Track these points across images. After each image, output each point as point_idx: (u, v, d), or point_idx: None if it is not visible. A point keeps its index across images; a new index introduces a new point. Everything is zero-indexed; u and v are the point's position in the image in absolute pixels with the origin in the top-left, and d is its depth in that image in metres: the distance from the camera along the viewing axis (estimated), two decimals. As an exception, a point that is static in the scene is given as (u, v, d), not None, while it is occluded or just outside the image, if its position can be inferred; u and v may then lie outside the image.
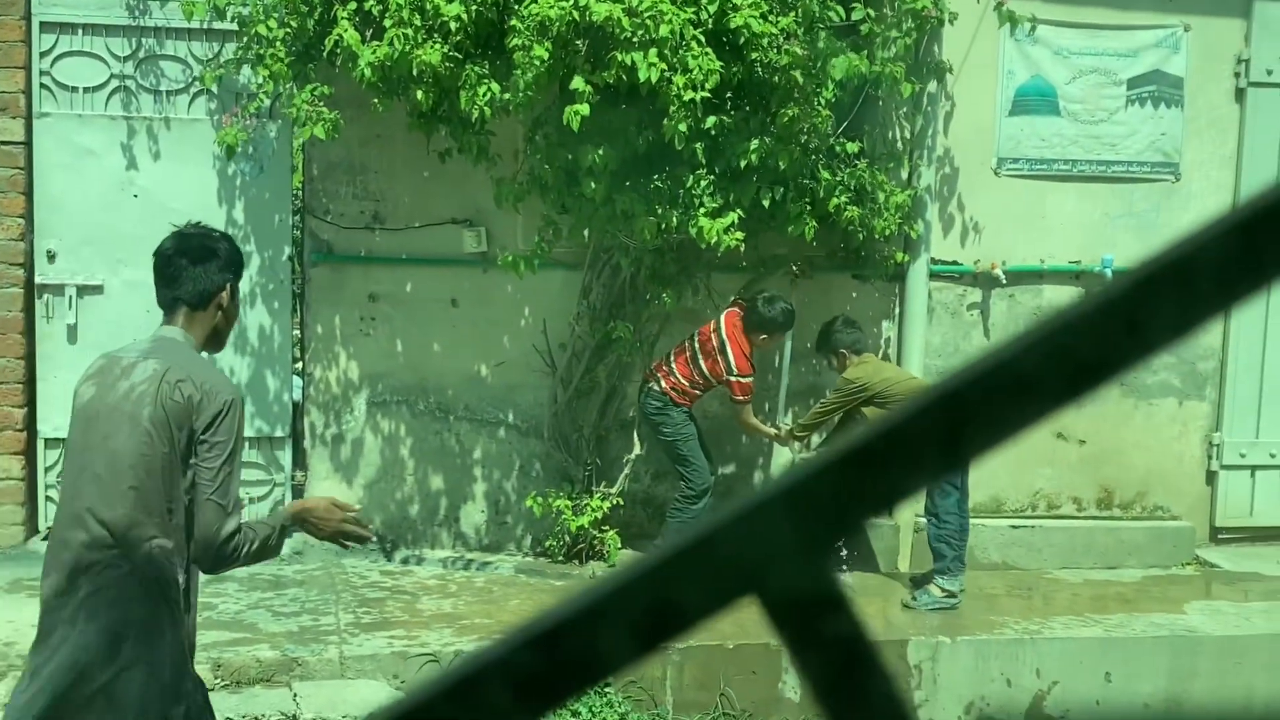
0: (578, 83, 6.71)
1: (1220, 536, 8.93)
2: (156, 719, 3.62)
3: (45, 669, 3.62)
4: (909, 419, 0.64)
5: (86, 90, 7.81)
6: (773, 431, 7.98)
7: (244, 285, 7.64)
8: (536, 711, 0.63)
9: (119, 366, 3.71)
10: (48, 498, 7.92)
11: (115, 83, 7.83)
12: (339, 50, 6.82)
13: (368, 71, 6.70)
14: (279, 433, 8.14)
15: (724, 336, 7.56)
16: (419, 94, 6.86)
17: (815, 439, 7.94)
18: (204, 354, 3.93)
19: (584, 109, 6.70)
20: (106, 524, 3.61)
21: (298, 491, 8.25)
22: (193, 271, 3.79)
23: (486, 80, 6.79)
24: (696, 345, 7.66)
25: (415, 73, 6.71)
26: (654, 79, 6.61)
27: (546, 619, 0.62)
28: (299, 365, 8.49)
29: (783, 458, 8.48)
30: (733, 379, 7.56)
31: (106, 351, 3.88)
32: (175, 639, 3.68)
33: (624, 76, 6.72)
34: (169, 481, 3.63)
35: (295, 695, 6.12)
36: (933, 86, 8.09)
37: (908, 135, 8.30)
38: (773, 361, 8.19)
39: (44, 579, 3.72)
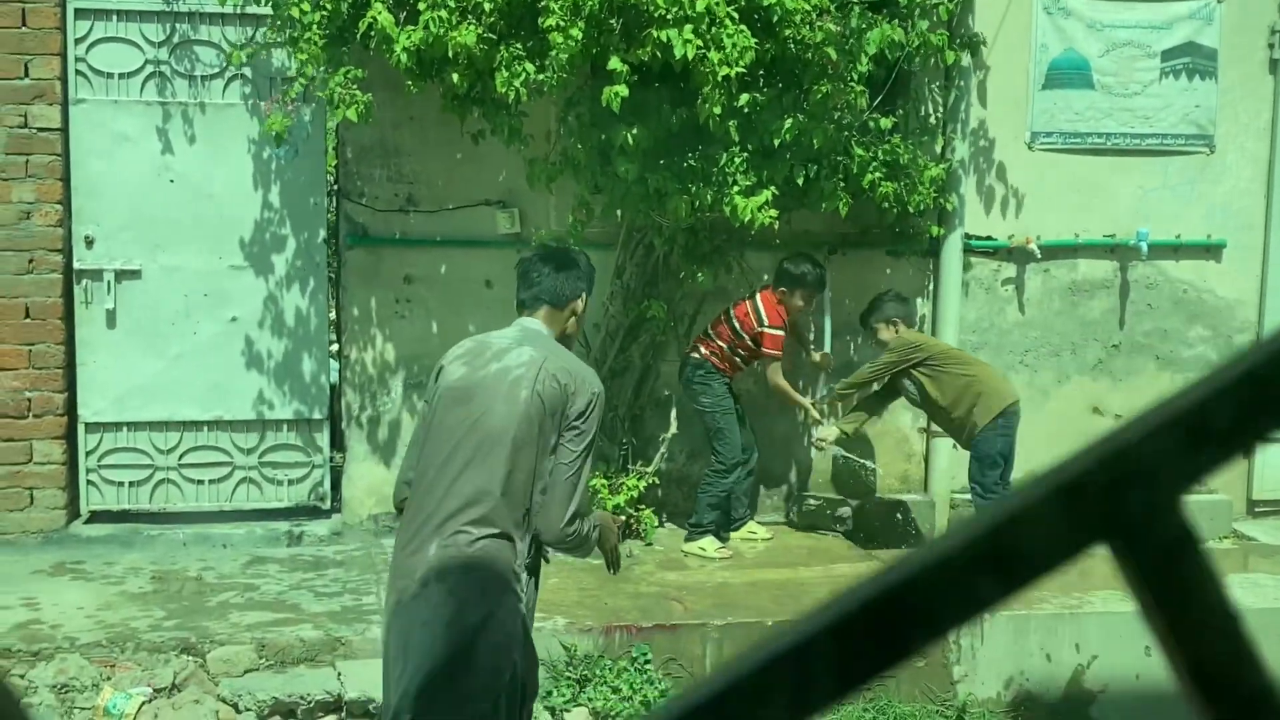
0: (614, 63, 6.70)
1: (1257, 510, 8.89)
2: (499, 674, 3.92)
3: (398, 621, 3.95)
4: None
5: (122, 76, 7.81)
6: (804, 401, 7.96)
7: (280, 268, 7.90)
8: (883, 664, 0.61)
9: (490, 350, 4.10)
10: (89, 482, 7.97)
11: (150, 68, 7.83)
12: (373, 33, 6.82)
13: (404, 56, 6.70)
14: (316, 415, 8.15)
15: (758, 300, 7.68)
16: (454, 76, 6.86)
17: (839, 431, 7.91)
18: None
19: (623, 89, 6.70)
20: (474, 494, 3.92)
21: (336, 474, 8.28)
22: (556, 276, 4.24)
23: (521, 61, 6.79)
24: (733, 313, 7.76)
25: (450, 55, 6.71)
26: (690, 55, 6.60)
27: (889, 576, 0.61)
28: (335, 347, 8.49)
29: (822, 456, 8.47)
30: (763, 330, 7.61)
31: (476, 336, 4.29)
32: (516, 604, 3.97)
33: (658, 55, 6.71)
34: (533, 459, 3.95)
35: (339, 674, 6.15)
36: (966, 60, 8.06)
37: (941, 110, 8.26)
38: (810, 343, 8.19)
39: (402, 543, 4.04)
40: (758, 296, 7.70)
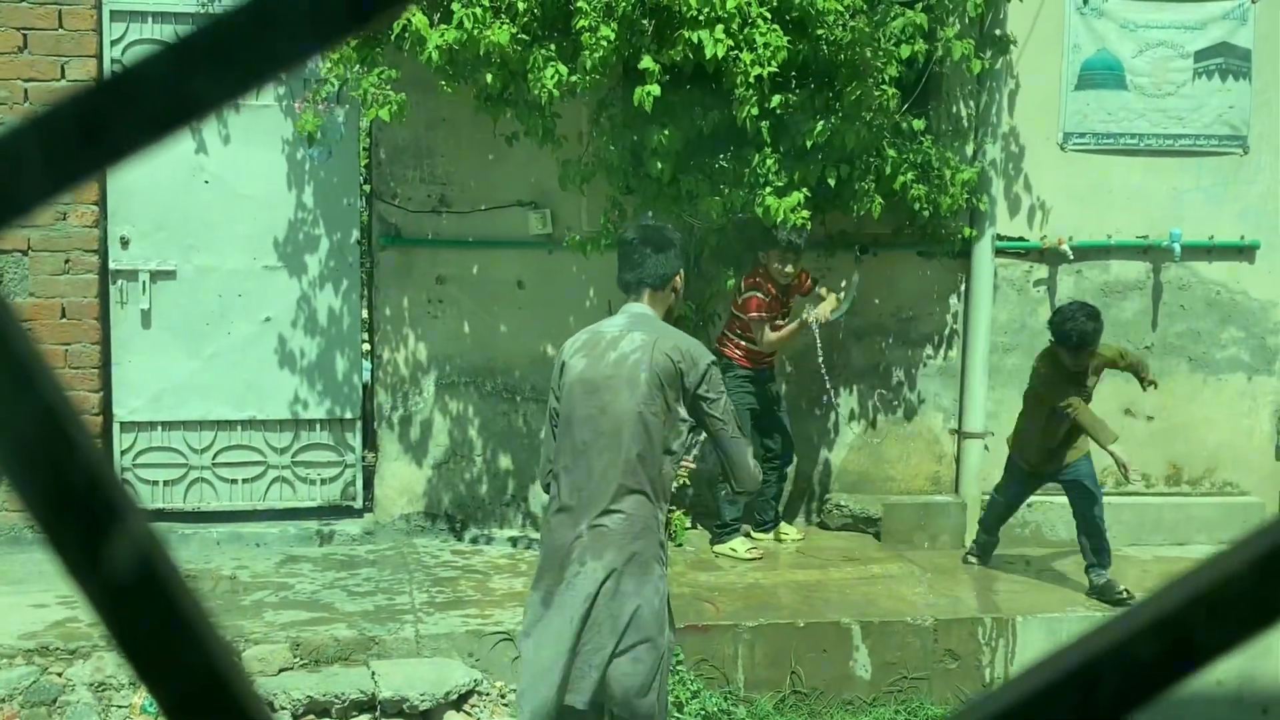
0: (647, 62, 6.71)
1: (1293, 511, 8.85)
2: (658, 644, 4.28)
3: (557, 598, 4.28)
4: None
5: (156, 78, 7.80)
6: (795, 325, 7.80)
7: (313, 269, 7.93)
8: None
9: (604, 339, 4.35)
10: (124, 480, 7.89)
11: (184, 70, 7.82)
12: (406, 34, 6.84)
13: (436, 55, 6.72)
14: (349, 414, 8.16)
15: (741, 280, 7.75)
16: (488, 76, 6.87)
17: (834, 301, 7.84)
18: None
19: (655, 89, 6.71)
20: (615, 477, 4.22)
21: (368, 473, 8.30)
22: (656, 258, 4.44)
23: (554, 62, 6.80)
24: (732, 308, 7.85)
25: (483, 54, 6.72)
26: (720, 54, 6.61)
27: (1071, 657, 0.57)
28: (368, 347, 8.50)
29: (835, 441, 8.47)
30: (744, 295, 7.66)
31: (589, 327, 4.52)
32: (662, 574, 4.34)
33: (690, 55, 6.71)
34: (661, 436, 4.25)
35: (374, 674, 6.16)
36: (998, 62, 8.03)
37: (973, 112, 8.24)
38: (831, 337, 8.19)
39: (553, 528, 4.36)
40: (740, 282, 7.77)
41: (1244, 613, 0.55)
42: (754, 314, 7.65)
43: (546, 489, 4.48)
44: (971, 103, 8.25)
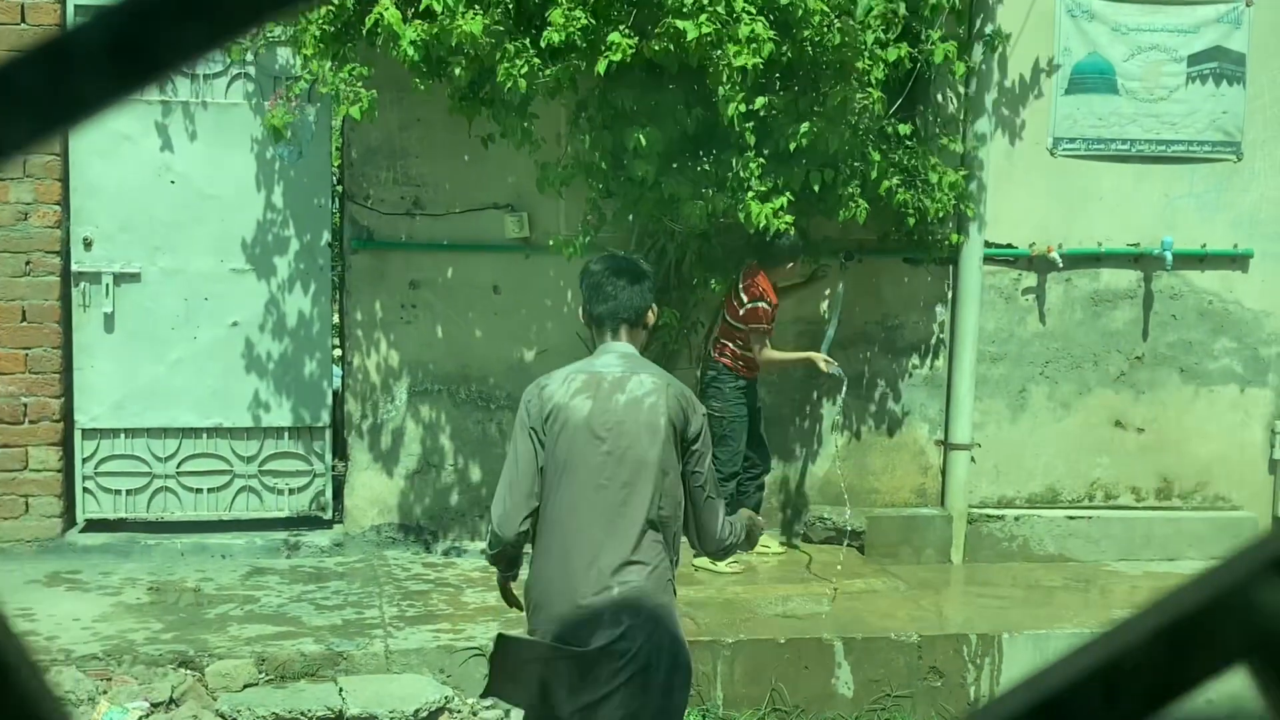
0: (615, 37, 6.57)
1: (1285, 527, 8.71)
2: (677, 697, 4.08)
3: (590, 669, 3.96)
4: None
5: (122, 74, 7.66)
6: (809, 354, 7.75)
7: (282, 272, 7.77)
8: None
9: (606, 380, 4.09)
10: (85, 489, 7.87)
11: (151, 66, 7.68)
12: (379, 30, 6.67)
13: (410, 50, 6.54)
14: (318, 422, 8.05)
15: (739, 284, 7.60)
16: (457, 69, 6.70)
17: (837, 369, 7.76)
18: None
19: (615, 56, 6.56)
20: (637, 524, 4.01)
21: (337, 483, 8.16)
22: (631, 290, 4.20)
23: (526, 53, 6.63)
24: (725, 312, 7.71)
25: (455, 44, 6.55)
26: (704, 31, 6.45)
27: (1021, 697, 0.59)
28: (339, 353, 8.39)
29: (829, 449, 8.32)
30: (747, 306, 7.51)
31: (574, 366, 4.23)
32: (680, 624, 4.16)
33: (672, 47, 6.56)
34: (675, 481, 4.09)
35: (341, 690, 6.06)
36: (986, 65, 7.90)
37: (961, 116, 8.10)
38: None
39: (553, 578, 4.06)
40: (739, 283, 7.62)
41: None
42: (761, 325, 7.52)
43: (510, 541, 4.11)
44: (959, 107, 8.11)
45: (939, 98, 8.09)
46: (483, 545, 8.00)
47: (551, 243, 7.37)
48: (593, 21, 6.56)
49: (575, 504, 4.03)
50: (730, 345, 7.63)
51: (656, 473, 4.02)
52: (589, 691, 3.94)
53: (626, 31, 6.66)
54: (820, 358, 7.71)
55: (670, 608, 4.08)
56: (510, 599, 4.45)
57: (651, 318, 4.29)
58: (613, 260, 4.36)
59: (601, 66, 6.60)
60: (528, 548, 4.17)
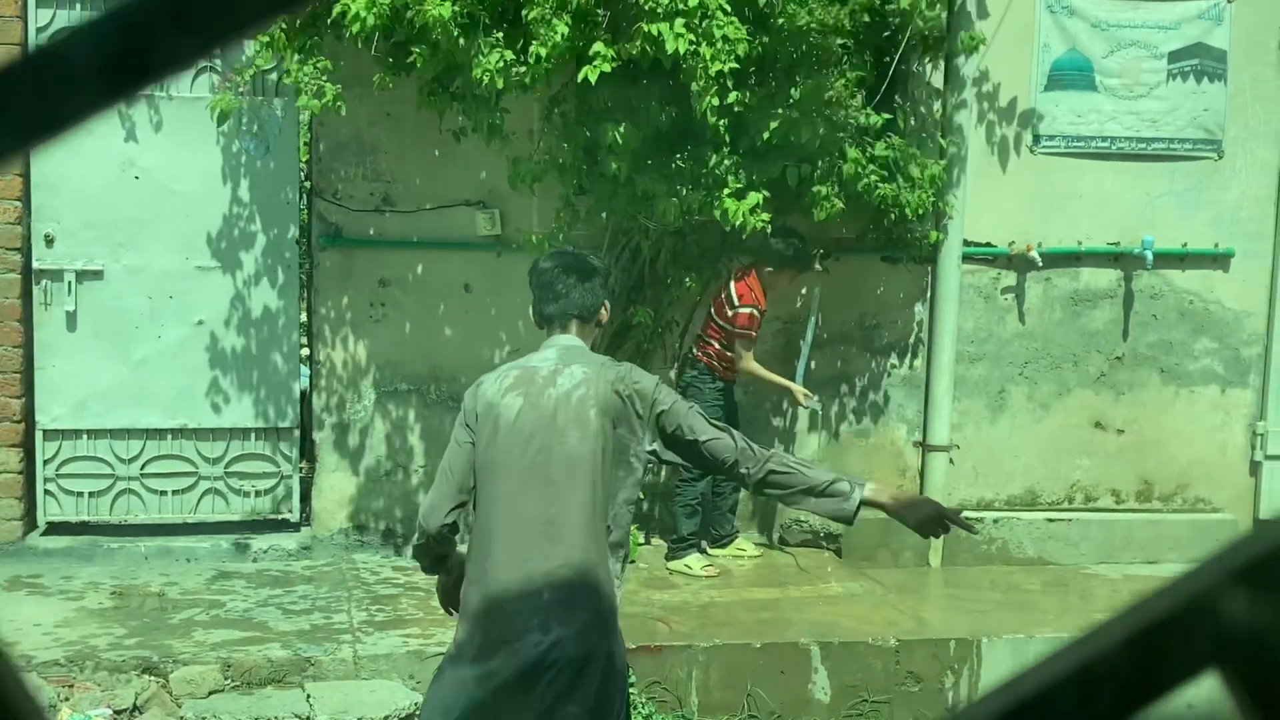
0: (598, 48, 6.47)
1: (1264, 529, 8.64)
2: (615, 704, 3.89)
3: (510, 672, 3.80)
4: None
5: (85, 68, 7.54)
6: (786, 383, 7.67)
7: (249, 269, 7.66)
8: None
9: (539, 376, 3.95)
10: (47, 491, 7.77)
11: (114, 59, 7.56)
12: (345, 21, 6.54)
13: (364, 14, 6.37)
14: (285, 423, 7.94)
15: (731, 286, 7.51)
16: (419, 62, 6.58)
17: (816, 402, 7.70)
18: None
19: (604, 65, 6.46)
20: (570, 525, 3.83)
21: (305, 484, 8.06)
22: (582, 287, 4.09)
23: (499, 48, 6.52)
24: (712, 309, 7.62)
25: (419, 29, 6.41)
26: (682, 50, 6.35)
27: (997, 701, 0.60)
28: (306, 352, 8.30)
29: (809, 449, 8.23)
30: (738, 310, 7.42)
31: (511, 363, 4.14)
32: (616, 625, 3.93)
33: (648, 49, 6.46)
34: (612, 476, 3.88)
35: (308, 696, 5.99)
36: (965, 60, 7.82)
37: (939, 112, 8.03)
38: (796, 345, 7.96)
39: (488, 581, 3.90)
40: (731, 283, 7.51)
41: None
42: (748, 331, 7.44)
43: (433, 533, 3.99)
44: (938, 103, 8.02)
45: (918, 94, 8.00)
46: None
47: (533, 239, 7.24)
48: (570, 27, 6.44)
49: (507, 504, 3.90)
50: (714, 345, 7.54)
51: (591, 468, 3.85)
52: (529, 710, 3.80)
53: (606, 36, 6.56)
54: (800, 392, 7.63)
55: (605, 612, 3.88)
56: (448, 601, 4.26)
57: (604, 315, 4.18)
58: (562, 257, 4.24)
59: (592, 75, 6.48)
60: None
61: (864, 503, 3.85)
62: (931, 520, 3.90)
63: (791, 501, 3.96)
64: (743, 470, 3.87)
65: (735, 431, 3.93)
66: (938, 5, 7.31)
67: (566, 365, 3.95)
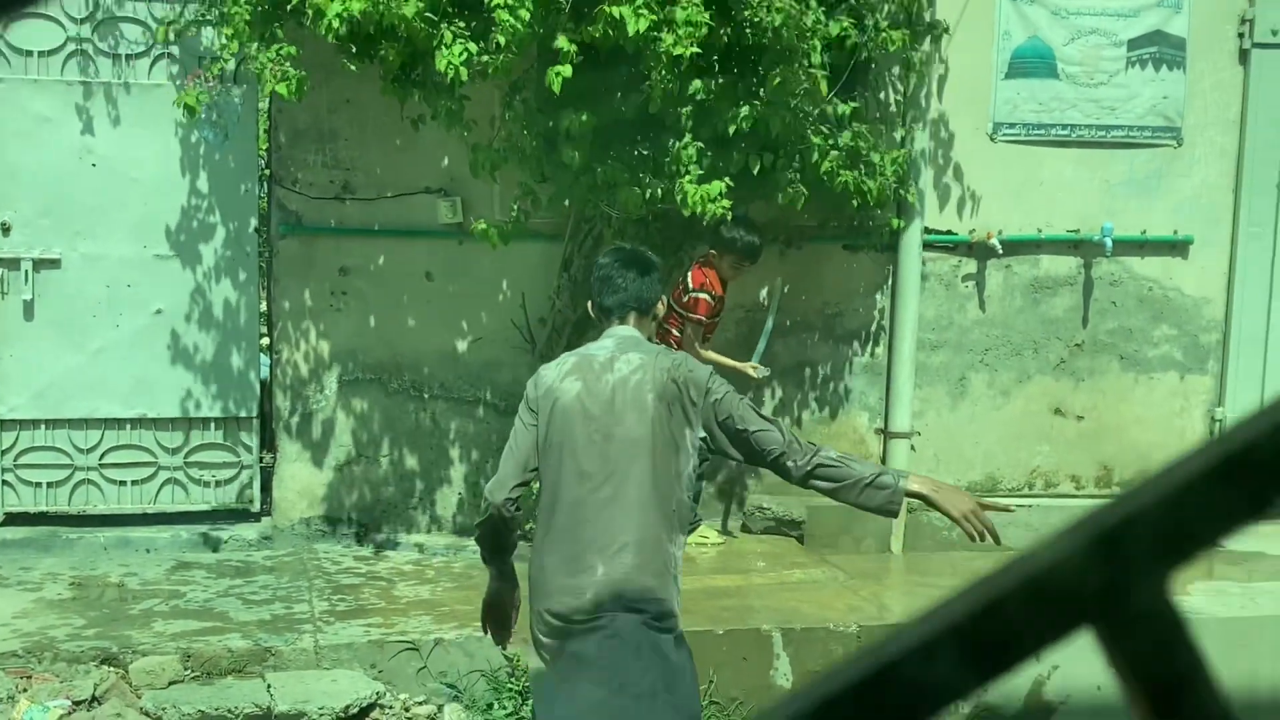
0: (562, 42, 6.44)
1: (1223, 515, 8.70)
2: (683, 681, 4.03)
3: (577, 650, 4.01)
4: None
5: (41, 54, 7.49)
6: (730, 364, 7.65)
7: (208, 258, 7.61)
8: None
9: (597, 362, 4.13)
10: (4, 482, 7.71)
11: (72, 46, 7.51)
12: (307, 8, 6.50)
13: (335, 23, 6.37)
14: (245, 413, 7.88)
15: (688, 272, 7.51)
16: (390, 53, 6.55)
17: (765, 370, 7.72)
18: None
19: (566, 70, 6.46)
20: (629, 505, 3.99)
21: (265, 475, 7.99)
22: (642, 281, 4.27)
23: (463, 40, 6.49)
24: (672, 296, 7.52)
25: (387, 26, 6.40)
26: (643, 29, 6.33)
27: (864, 663, 0.61)
28: (266, 342, 8.23)
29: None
30: (691, 294, 7.41)
31: (570, 352, 4.33)
32: (676, 607, 4.07)
33: (610, 33, 6.44)
34: (672, 460, 4.03)
35: (269, 686, 5.96)
36: (926, 48, 7.82)
37: (901, 100, 8.03)
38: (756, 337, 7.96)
39: (547, 563, 4.11)
40: (689, 271, 7.51)
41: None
42: (698, 317, 7.43)
43: (498, 504, 4.13)
44: (900, 91, 8.04)
45: (880, 82, 8.00)
46: (420, 538, 7.90)
47: (473, 229, 7.21)
48: (532, 13, 6.42)
49: (569, 485, 4.07)
50: (674, 332, 7.53)
51: (649, 450, 4.00)
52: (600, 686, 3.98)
53: (569, 26, 6.53)
54: (749, 367, 7.63)
55: (658, 590, 4.00)
56: (490, 615, 4.46)
57: (661, 309, 4.38)
58: (621, 253, 4.41)
59: (553, 82, 6.47)
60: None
61: (907, 494, 3.97)
62: (971, 512, 3.96)
63: (838, 495, 4.04)
64: (789, 463, 3.96)
65: (782, 424, 4.07)
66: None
67: (623, 353, 4.13)
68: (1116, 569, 0.61)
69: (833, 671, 0.61)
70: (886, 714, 0.60)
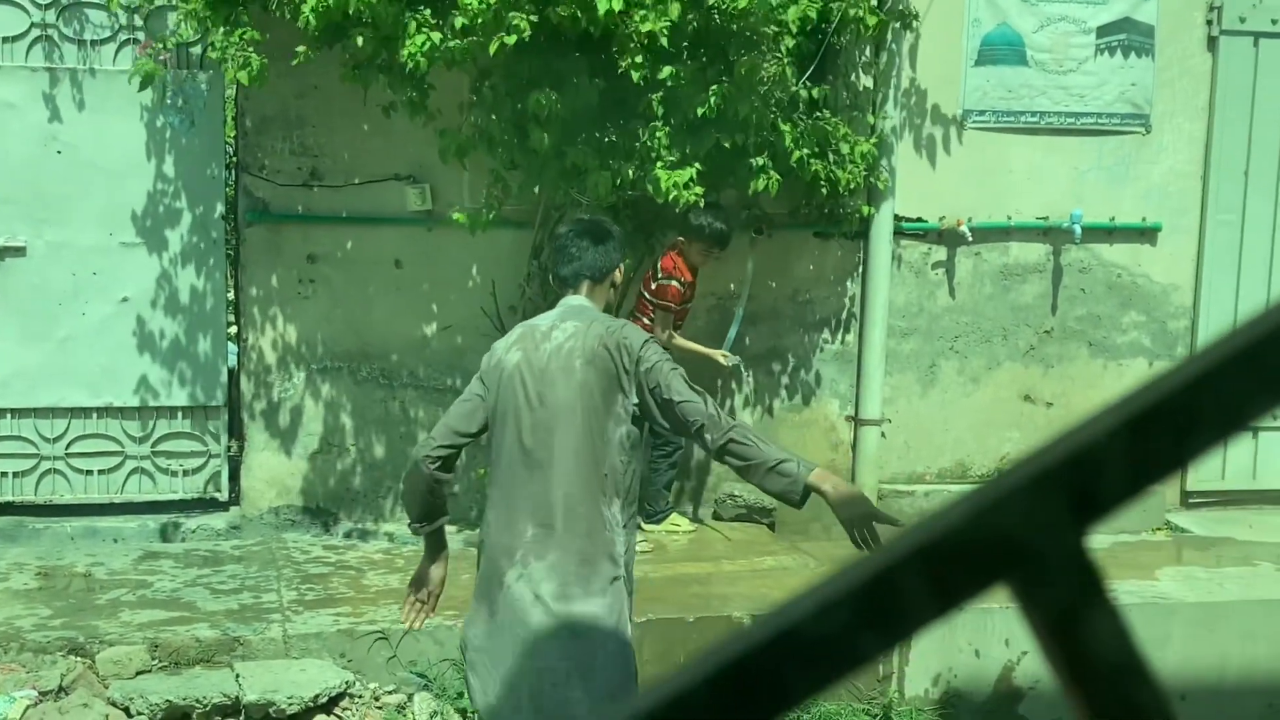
0: (519, 20, 6.40)
1: (1191, 501, 8.75)
2: (612, 665, 4.04)
3: (500, 610, 4.06)
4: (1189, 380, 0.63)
5: (6, 40, 7.43)
6: (701, 351, 7.65)
7: (174, 245, 7.55)
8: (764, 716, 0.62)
9: (538, 331, 4.21)
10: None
11: (36, 32, 7.45)
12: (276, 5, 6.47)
13: (312, 18, 6.34)
14: (213, 401, 7.83)
15: (658, 260, 7.53)
16: (358, 39, 6.51)
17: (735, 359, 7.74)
18: None
19: (511, 39, 6.41)
20: (558, 469, 4.04)
21: (233, 464, 7.94)
22: (595, 250, 4.31)
23: (426, 30, 6.46)
24: (642, 283, 7.60)
25: (353, 12, 6.36)
26: (616, 7, 6.31)
27: (777, 618, 0.62)
28: (233, 330, 8.17)
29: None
30: (659, 281, 7.44)
31: (523, 322, 4.39)
32: (615, 575, 4.07)
33: (580, 13, 6.41)
34: (603, 425, 4.07)
35: (238, 676, 5.92)
36: (896, 34, 7.81)
37: (871, 86, 8.02)
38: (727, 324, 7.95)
39: (491, 525, 4.18)
40: (659, 258, 7.53)
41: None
42: (666, 304, 7.42)
43: (418, 459, 4.18)
44: (870, 77, 8.03)
45: (850, 68, 8.00)
46: (389, 526, 7.87)
47: (455, 214, 7.19)
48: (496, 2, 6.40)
49: (509, 451, 4.14)
50: (644, 320, 7.51)
51: (578, 415, 4.06)
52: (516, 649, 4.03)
53: (529, 6, 6.50)
54: (719, 354, 7.63)
55: (593, 554, 4.04)
56: (413, 590, 4.44)
57: (618, 276, 4.42)
58: (578, 223, 4.47)
59: (494, 48, 6.44)
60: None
61: (807, 486, 3.95)
62: (860, 518, 3.98)
63: (745, 474, 4.07)
64: (707, 436, 4.00)
65: (709, 398, 4.09)
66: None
67: (564, 321, 4.20)
68: (1031, 524, 0.61)
69: (739, 635, 0.62)
70: (800, 673, 0.61)
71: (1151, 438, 0.63)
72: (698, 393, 4.06)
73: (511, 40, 6.42)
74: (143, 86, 6.94)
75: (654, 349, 4.13)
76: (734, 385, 8.17)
